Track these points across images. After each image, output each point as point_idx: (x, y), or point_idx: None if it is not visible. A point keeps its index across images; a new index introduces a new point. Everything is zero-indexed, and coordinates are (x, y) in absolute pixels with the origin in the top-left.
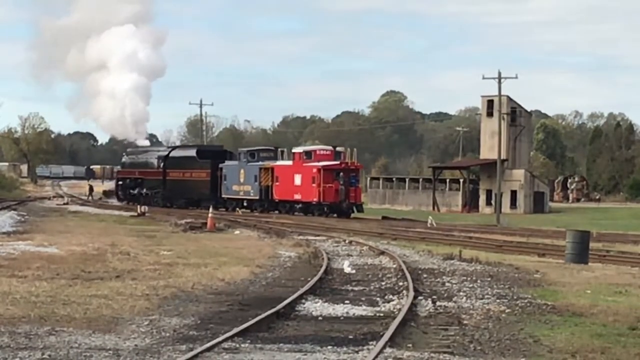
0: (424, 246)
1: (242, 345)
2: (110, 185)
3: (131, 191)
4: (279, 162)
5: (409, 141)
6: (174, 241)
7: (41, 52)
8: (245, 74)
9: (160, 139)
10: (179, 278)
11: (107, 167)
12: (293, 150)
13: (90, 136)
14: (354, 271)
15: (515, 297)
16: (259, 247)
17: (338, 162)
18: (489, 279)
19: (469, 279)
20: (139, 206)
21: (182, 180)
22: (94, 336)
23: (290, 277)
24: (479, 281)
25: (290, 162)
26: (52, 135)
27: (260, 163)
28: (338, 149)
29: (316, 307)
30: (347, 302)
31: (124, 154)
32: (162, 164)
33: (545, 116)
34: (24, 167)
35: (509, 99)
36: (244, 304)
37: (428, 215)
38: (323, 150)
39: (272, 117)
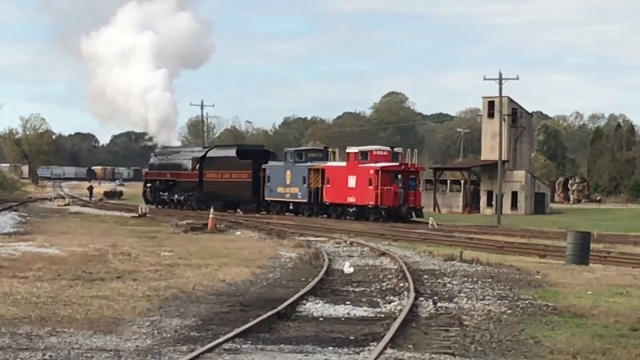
0: (425, 247)
1: (243, 346)
2: (110, 186)
3: (161, 194)
4: (331, 163)
5: (410, 142)
6: (175, 242)
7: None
8: (247, 75)
9: None
10: (180, 279)
11: (108, 168)
12: (347, 150)
13: (91, 137)
14: (355, 272)
15: (516, 298)
16: (260, 248)
17: (397, 164)
18: (490, 280)
19: (469, 280)
20: (140, 207)
21: (220, 182)
22: (95, 337)
23: (291, 278)
24: (479, 282)
25: (343, 163)
26: (53, 136)
27: (309, 164)
28: (396, 149)
29: (317, 307)
30: (348, 303)
31: (152, 154)
32: (197, 165)
33: (546, 117)
34: (25, 168)
35: (510, 100)
36: (245, 305)
37: (429, 216)
38: (380, 150)
39: (273, 118)
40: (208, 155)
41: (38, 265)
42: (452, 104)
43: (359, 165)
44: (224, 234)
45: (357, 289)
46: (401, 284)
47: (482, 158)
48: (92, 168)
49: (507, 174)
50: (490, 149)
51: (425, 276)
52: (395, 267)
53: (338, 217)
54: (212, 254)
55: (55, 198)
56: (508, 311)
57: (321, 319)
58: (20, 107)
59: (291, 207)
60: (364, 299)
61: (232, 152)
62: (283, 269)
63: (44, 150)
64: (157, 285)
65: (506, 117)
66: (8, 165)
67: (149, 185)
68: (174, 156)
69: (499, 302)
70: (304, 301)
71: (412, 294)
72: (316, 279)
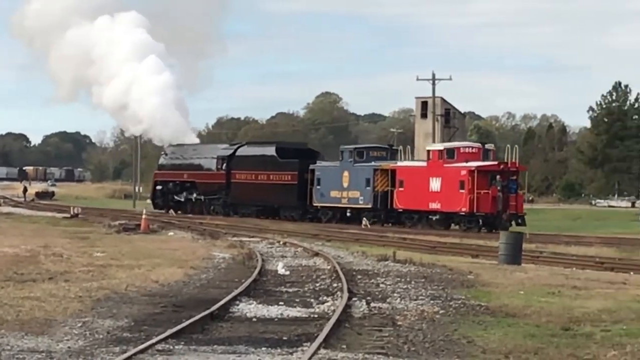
0: (358, 247)
1: (176, 347)
2: (42, 186)
3: (175, 197)
4: (403, 163)
5: (343, 142)
6: (107, 243)
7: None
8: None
9: (93, 140)
10: (112, 280)
11: (40, 168)
12: (428, 148)
13: (23, 137)
14: (288, 272)
15: (449, 298)
16: (193, 248)
17: (495, 163)
18: (423, 280)
19: (403, 280)
20: (72, 207)
21: (255, 184)
22: (27, 338)
23: (224, 279)
24: (412, 282)
25: (421, 163)
26: None
27: (374, 163)
28: (487, 146)
29: (250, 308)
30: (281, 303)
31: (162, 152)
32: (223, 165)
33: (479, 117)
34: None
35: (443, 100)
36: (178, 306)
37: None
38: (469, 147)
39: (206, 118)
40: (238, 153)
41: None
42: (386, 105)
43: (445, 166)
44: (157, 235)
45: (290, 290)
46: (334, 285)
47: (415, 158)
48: (24, 168)
49: None
50: (424, 150)
51: (359, 276)
52: (329, 267)
53: (414, 225)
54: (145, 254)
55: None
56: (441, 311)
57: (254, 319)
58: None
59: (349, 214)
60: (297, 300)
61: (270, 151)
62: (216, 270)
63: None
64: (90, 286)
65: (439, 118)
66: None
67: (159, 187)
68: (192, 154)
69: (432, 302)
70: (237, 302)
71: (346, 294)
72: (249, 280)
